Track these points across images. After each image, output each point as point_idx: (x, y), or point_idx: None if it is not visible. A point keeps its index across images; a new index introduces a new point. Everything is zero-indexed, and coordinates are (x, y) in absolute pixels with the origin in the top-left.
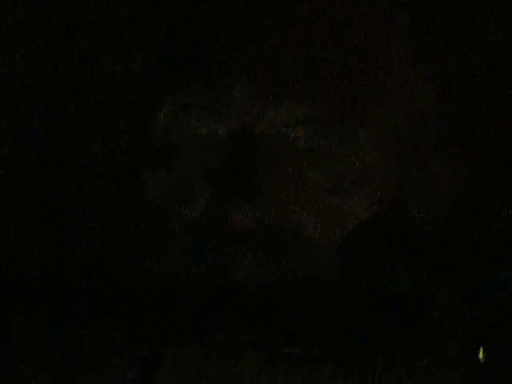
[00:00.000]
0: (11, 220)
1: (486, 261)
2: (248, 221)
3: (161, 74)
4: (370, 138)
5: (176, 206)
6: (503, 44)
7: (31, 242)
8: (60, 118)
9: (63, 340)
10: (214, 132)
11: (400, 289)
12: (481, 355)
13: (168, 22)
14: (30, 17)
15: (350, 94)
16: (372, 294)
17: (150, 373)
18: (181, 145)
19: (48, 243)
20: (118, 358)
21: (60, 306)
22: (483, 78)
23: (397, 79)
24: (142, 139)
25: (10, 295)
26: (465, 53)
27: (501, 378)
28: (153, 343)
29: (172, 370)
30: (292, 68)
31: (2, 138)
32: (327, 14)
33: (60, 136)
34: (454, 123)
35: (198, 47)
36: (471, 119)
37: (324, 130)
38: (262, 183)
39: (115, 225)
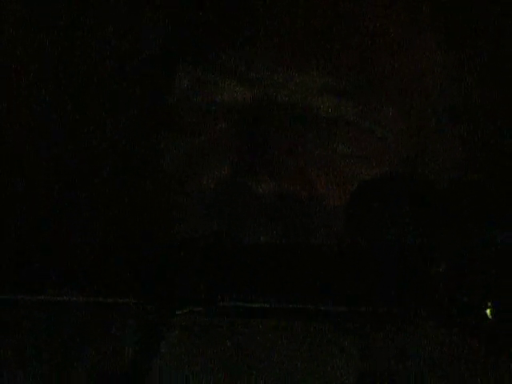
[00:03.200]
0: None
1: (496, 220)
2: (267, 191)
3: (177, 42)
4: (394, 110)
5: (194, 176)
6: None
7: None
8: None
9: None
10: (235, 101)
11: (406, 243)
12: (489, 311)
13: None
14: None
15: (377, 66)
16: (380, 251)
17: (155, 341)
18: (199, 114)
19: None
20: (121, 326)
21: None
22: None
23: (424, 53)
24: (159, 109)
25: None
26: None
27: (510, 335)
28: (159, 310)
29: (178, 338)
30: (316, 37)
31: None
32: None
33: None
34: (471, 96)
35: (216, 15)
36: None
37: (348, 100)
38: (282, 152)
39: (130, 195)
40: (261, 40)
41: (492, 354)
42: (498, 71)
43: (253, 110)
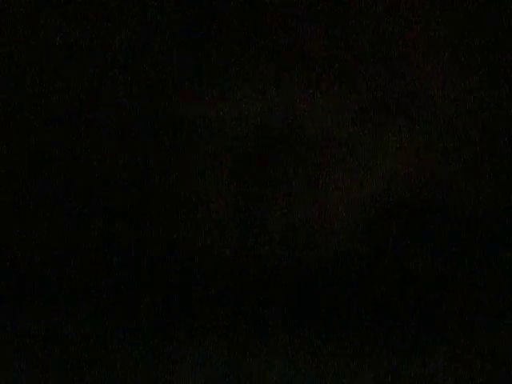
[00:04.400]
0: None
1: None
2: (279, 213)
3: (195, 61)
4: (409, 131)
5: (205, 197)
6: None
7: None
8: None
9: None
10: (245, 119)
11: (419, 270)
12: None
13: (198, 13)
14: None
15: (393, 86)
16: (392, 274)
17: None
18: (212, 132)
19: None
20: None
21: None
22: None
23: (440, 73)
24: (171, 127)
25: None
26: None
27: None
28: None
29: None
30: (332, 56)
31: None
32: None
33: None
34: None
35: (232, 36)
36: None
37: (363, 119)
38: (295, 171)
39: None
40: (275, 60)
41: (497, 373)
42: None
43: (269, 135)
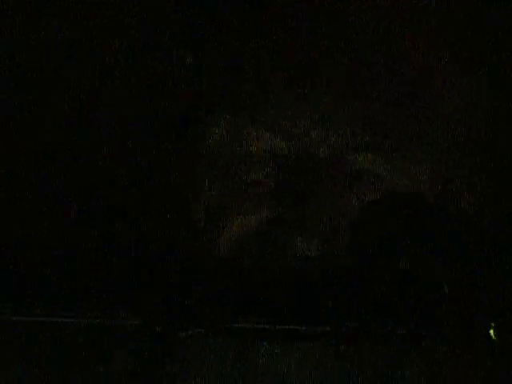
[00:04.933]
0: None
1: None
2: (297, 244)
3: (219, 89)
4: (422, 169)
5: (225, 219)
6: None
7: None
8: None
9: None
10: (267, 150)
11: (410, 266)
12: (492, 332)
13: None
14: None
15: (409, 124)
16: (388, 275)
17: (160, 362)
18: (235, 161)
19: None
20: (126, 348)
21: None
22: None
23: (454, 109)
24: (196, 154)
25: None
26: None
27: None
28: (164, 332)
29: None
30: (349, 92)
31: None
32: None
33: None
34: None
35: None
36: None
37: (380, 157)
38: (315, 207)
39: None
40: (293, 95)
41: (496, 373)
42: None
43: (288, 163)
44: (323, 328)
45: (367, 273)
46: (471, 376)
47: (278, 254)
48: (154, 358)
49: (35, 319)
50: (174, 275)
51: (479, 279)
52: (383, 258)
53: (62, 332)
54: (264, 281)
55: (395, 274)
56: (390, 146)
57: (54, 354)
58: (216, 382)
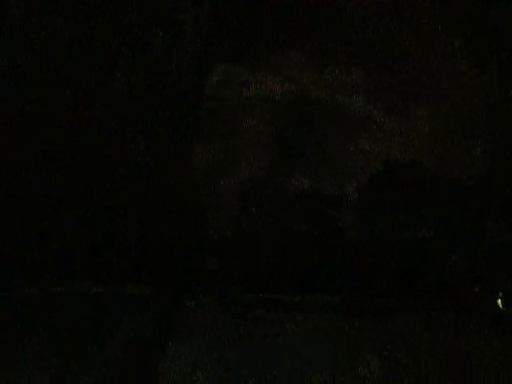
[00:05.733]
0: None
1: (503, 218)
2: (294, 185)
3: (217, 39)
4: (422, 111)
5: (227, 169)
6: None
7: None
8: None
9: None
10: (268, 96)
11: (418, 235)
12: (500, 301)
13: None
14: None
15: (407, 66)
16: (389, 241)
17: (168, 331)
18: (234, 108)
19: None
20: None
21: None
22: None
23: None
24: (198, 102)
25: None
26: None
27: None
28: (172, 300)
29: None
30: (349, 36)
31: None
32: None
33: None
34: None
35: (255, 16)
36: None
37: (377, 100)
38: (313, 149)
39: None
40: (296, 40)
41: (505, 342)
42: None
43: (287, 104)
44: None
45: (371, 244)
46: (478, 346)
47: (277, 202)
48: (157, 335)
49: (43, 290)
50: (180, 246)
51: (487, 250)
52: (386, 228)
53: (65, 301)
54: (271, 249)
55: (398, 244)
56: (389, 89)
57: (51, 351)
58: (220, 357)
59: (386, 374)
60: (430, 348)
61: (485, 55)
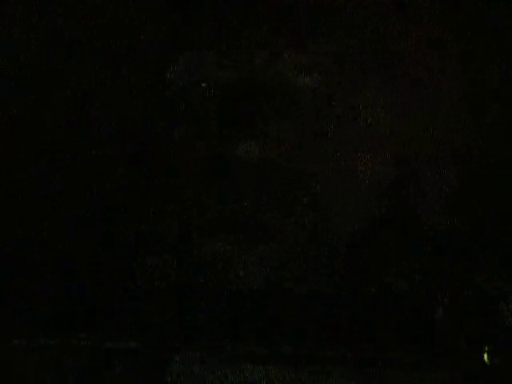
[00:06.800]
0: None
1: (492, 271)
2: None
3: (174, 31)
4: (376, 91)
5: (186, 143)
6: None
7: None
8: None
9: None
10: (220, 78)
11: (405, 290)
12: (486, 356)
13: None
14: None
15: (358, 45)
16: (379, 295)
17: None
18: (190, 91)
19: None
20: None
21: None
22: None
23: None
24: (157, 90)
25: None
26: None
27: (506, 379)
28: (157, 355)
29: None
30: (298, 16)
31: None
32: None
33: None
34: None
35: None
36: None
37: (329, 80)
38: (265, 131)
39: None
40: (247, 21)
41: None
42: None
43: (239, 86)
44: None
45: (355, 296)
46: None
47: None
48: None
49: (34, 342)
50: (171, 299)
51: (472, 305)
52: (374, 278)
53: (59, 354)
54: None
55: (385, 295)
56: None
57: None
58: None
59: None
60: None
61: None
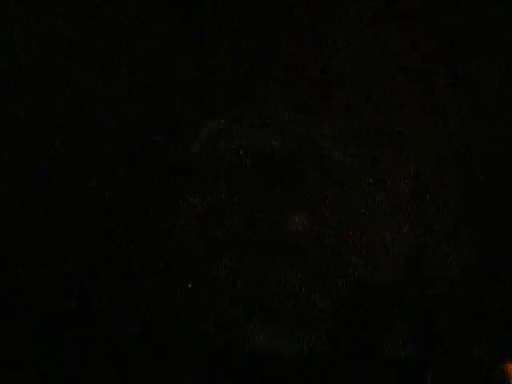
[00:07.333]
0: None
1: (485, 338)
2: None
3: (201, 98)
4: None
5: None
6: None
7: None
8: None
9: None
10: (262, 149)
11: (395, 355)
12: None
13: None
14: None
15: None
16: (372, 360)
17: None
18: (227, 160)
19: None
20: None
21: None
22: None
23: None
24: (186, 164)
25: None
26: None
27: None
28: None
29: None
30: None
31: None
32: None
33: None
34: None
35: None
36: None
37: (362, 151)
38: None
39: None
40: (267, 80)
41: None
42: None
43: (280, 159)
44: None
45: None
46: None
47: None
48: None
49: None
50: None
51: (461, 372)
52: (366, 345)
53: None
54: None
55: (378, 361)
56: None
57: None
58: None
59: None
60: None
61: None
